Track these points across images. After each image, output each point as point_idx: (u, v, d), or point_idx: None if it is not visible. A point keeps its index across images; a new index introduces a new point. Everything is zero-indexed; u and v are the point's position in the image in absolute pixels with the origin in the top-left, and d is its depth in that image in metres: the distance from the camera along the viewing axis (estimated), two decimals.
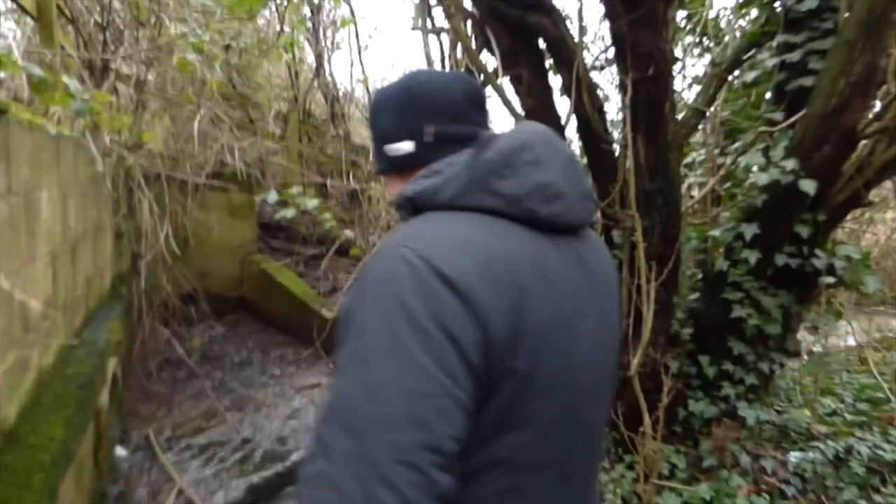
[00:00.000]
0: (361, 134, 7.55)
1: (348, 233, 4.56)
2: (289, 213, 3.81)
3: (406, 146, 0.78)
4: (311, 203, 3.79)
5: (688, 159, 3.73)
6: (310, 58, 7.63)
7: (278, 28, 6.72)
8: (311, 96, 7.73)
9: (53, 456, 1.74)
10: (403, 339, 0.55)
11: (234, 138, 5.34)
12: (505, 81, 2.78)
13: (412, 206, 0.72)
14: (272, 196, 3.87)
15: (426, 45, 3.05)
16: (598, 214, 2.74)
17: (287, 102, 7.53)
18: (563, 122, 2.86)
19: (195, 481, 2.93)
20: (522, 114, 2.76)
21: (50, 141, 2.30)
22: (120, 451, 3.07)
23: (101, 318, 3.03)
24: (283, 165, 6.56)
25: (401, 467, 0.51)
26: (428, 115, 0.77)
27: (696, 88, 4.08)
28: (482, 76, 2.59)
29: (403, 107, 0.79)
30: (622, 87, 2.44)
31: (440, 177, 0.70)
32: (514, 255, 0.63)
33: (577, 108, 2.65)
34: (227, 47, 5.81)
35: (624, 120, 2.41)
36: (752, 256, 2.40)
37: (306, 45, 7.45)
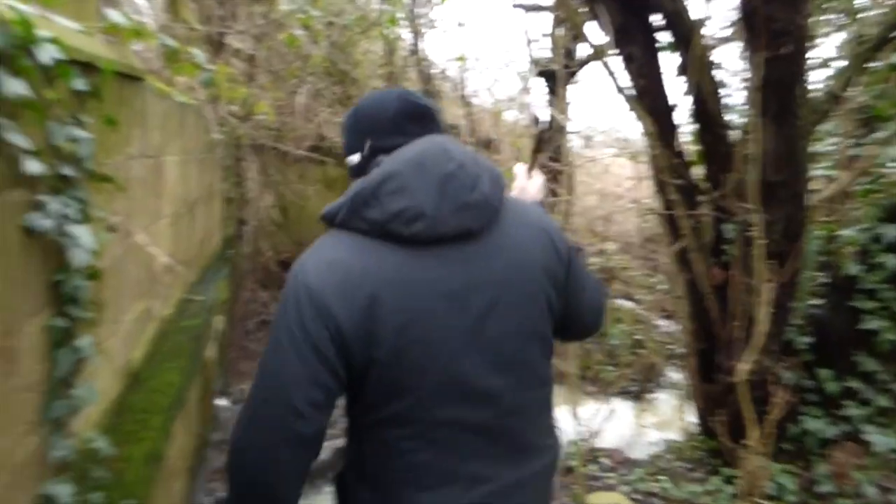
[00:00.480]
0: (454, 113, 7.51)
1: None
2: None
3: (355, 158, 0.97)
4: None
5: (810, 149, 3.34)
6: (406, 35, 7.65)
7: (377, 5, 6.79)
8: (406, 73, 7.78)
9: (170, 400, 1.90)
10: (283, 332, 0.82)
11: (332, 113, 5.52)
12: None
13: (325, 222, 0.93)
14: None
15: (525, 22, 2.94)
16: (708, 207, 2.53)
17: (383, 79, 7.64)
18: (673, 104, 2.66)
19: None
20: (633, 94, 2.59)
21: (176, 109, 2.48)
22: (221, 402, 3.33)
23: (210, 277, 3.27)
24: None
25: (268, 414, 0.81)
26: (367, 131, 0.96)
27: (822, 71, 3.63)
28: (591, 51, 2.45)
29: (351, 126, 0.99)
30: (750, 67, 2.21)
31: (342, 199, 0.88)
32: (370, 271, 0.82)
33: (694, 89, 2.45)
34: (330, 23, 5.96)
35: (750, 102, 2.18)
36: (892, 261, 2.12)
37: (402, 22, 7.47)
